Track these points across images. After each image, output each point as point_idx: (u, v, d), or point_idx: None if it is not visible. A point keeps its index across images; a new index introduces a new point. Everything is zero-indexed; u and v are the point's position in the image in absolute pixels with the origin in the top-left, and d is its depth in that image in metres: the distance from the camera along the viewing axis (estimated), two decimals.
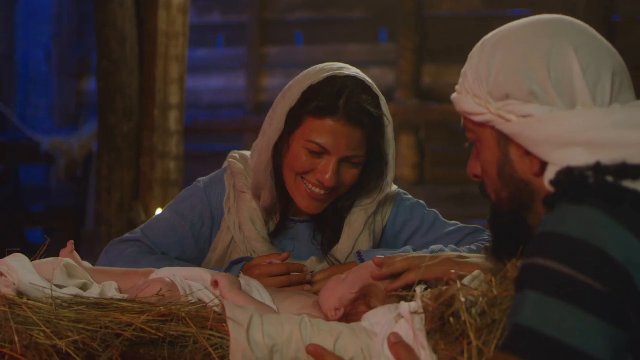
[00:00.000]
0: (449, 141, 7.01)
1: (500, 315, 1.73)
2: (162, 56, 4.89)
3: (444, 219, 2.62)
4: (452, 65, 6.99)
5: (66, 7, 8.03)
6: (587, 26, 1.73)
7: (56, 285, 2.09)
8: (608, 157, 1.57)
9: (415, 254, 2.15)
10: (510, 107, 1.70)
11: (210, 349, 1.88)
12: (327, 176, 2.40)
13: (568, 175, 1.56)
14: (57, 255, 2.28)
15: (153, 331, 1.90)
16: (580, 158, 1.60)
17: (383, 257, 2.12)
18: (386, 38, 7.24)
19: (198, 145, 7.25)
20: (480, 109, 1.74)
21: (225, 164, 2.68)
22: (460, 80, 1.82)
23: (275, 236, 2.58)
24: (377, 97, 2.44)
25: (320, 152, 2.41)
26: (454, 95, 1.84)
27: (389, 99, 7.09)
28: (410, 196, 2.66)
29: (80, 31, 8.06)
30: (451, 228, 2.58)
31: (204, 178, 2.66)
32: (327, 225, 2.56)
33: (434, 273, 2.02)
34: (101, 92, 4.91)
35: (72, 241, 2.32)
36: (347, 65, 2.48)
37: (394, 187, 2.64)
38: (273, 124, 2.45)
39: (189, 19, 5.03)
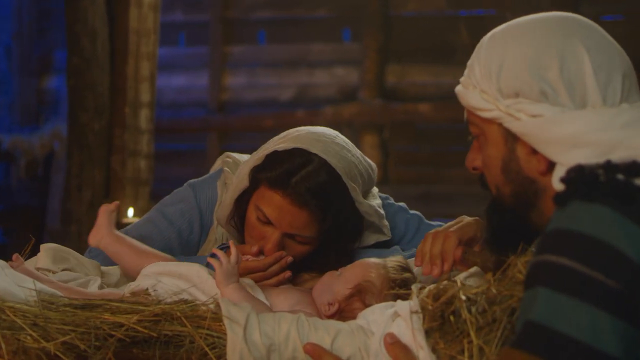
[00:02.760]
0: (412, 141, 7.04)
1: (501, 313, 1.73)
2: (133, 54, 4.87)
3: (428, 221, 2.59)
4: (417, 65, 7.02)
5: (26, 5, 7.93)
6: (596, 25, 1.74)
7: (43, 269, 2.08)
8: (618, 157, 1.58)
9: (434, 231, 2.15)
10: (520, 106, 1.69)
11: (207, 349, 1.86)
12: (268, 246, 2.32)
13: (579, 173, 1.56)
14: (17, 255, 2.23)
15: (146, 331, 1.87)
16: (590, 159, 1.60)
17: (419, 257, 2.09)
18: (350, 37, 7.25)
19: (160, 145, 7.20)
20: (488, 105, 1.73)
21: (218, 164, 2.62)
22: (466, 72, 1.80)
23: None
24: (342, 186, 2.31)
25: (265, 222, 2.34)
26: (458, 88, 1.82)
27: (353, 98, 7.11)
28: (391, 200, 2.61)
29: (41, 29, 7.97)
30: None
31: (195, 180, 2.59)
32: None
33: (469, 233, 2.06)
34: (71, 90, 4.88)
35: (118, 202, 2.33)
36: (334, 140, 2.35)
37: (375, 190, 2.58)
38: (239, 177, 2.38)
39: (159, 17, 5.00)
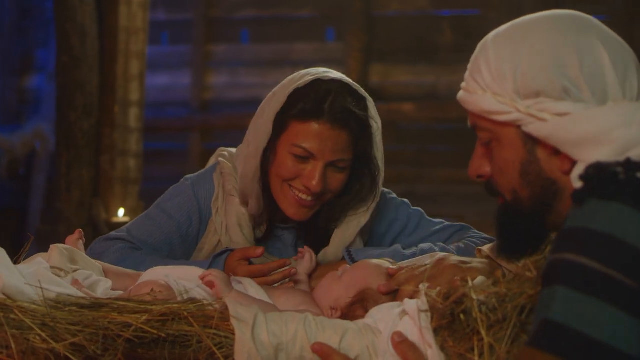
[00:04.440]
0: (395, 140, 7.03)
1: (512, 311, 1.73)
2: (123, 52, 4.84)
3: (429, 217, 2.61)
4: (400, 64, 7.02)
5: (7, 4, 7.88)
6: (599, 22, 1.72)
7: (56, 268, 2.06)
8: (638, 154, 1.56)
9: (415, 264, 2.11)
10: (543, 105, 1.65)
11: (215, 349, 1.85)
12: (314, 182, 2.36)
13: (597, 171, 1.55)
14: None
15: (154, 331, 1.86)
16: (612, 155, 1.58)
17: (396, 267, 2.10)
18: (334, 37, 7.25)
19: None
20: (505, 108, 1.69)
21: (213, 160, 2.64)
22: (469, 77, 1.76)
23: (262, 242, 2.54)
24: (363, 99, 2.42)
25: (306, 157, 2.37)
26: (461, 94, 1.78)
27: None
28: (394, 195, 2.64)
29: (22, 28, 7.92)
30: (437, 227, 2.57)
31: (192, 175, 2.62)
32: (317, 232, 2.52)
33: (439, 283, 1.98)
34: (60, 88, 4.84)
35: (81, 230, 2.28)
36: (332, 70, 2.45)
37: None
38: (260, 130, 2.40)
39: (149, 15, 4.98)
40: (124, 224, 2.74)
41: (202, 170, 2.63)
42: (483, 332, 1.73)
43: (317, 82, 2.37)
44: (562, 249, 1.50)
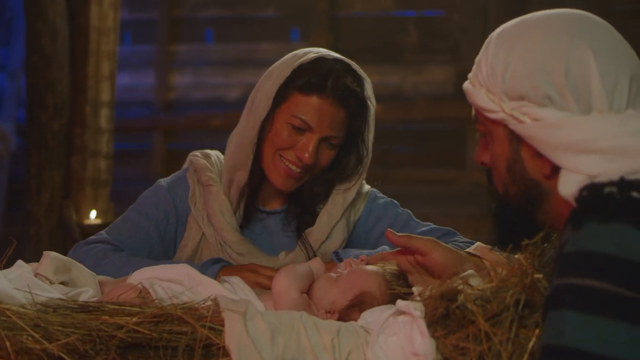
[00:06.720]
0: None
1: (510, 299, 1.73)
2: (94, 52, 4.81)
3: (417, 219, 2.64)
4: (365, 65, 6.96)
5: None
6: (606, 24, 1.72)
7: (42, 276, 2.07)
8: (624, 165, 1.57)
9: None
10: (525, 109, 1.67)
11: (210, 334, 1.83)
12: (307, 154, 2.43)
13: (592, 192, 1.56)
14: None
15: (147, 332, 1.85)
16: (595, 165, 1.60)
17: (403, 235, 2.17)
18: (298, 37, 7.24)
19: None
20: (494, 106, 1.71)
21: (186, 164, 2.65)
22: (474, 69, 1.78)
23: (245, 226, 2.57)
24: (362, 78, 2.48)
25: (302, 129, 2.44)
26: (467, 85, 1.80)
27: None
28: (383, 195, 2.67)
29: None
30: (424, 228, 2.59)
31: (165, 178, 2.65)
32: (302, 211, 2.57)
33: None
34: (31, 88, 4.79)
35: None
36: (330, 51, 2.51)
37: (367, 187, 2.65)
38: (262, 101, 2.46)
39: (120, 15, 4.94)
40: (95, 225, 2.74)
41: (175, 173, 2.66)
42: (481, 321, 1.73)
43: (322, 60, 2.44)
44: (566, 274, 1.50)
